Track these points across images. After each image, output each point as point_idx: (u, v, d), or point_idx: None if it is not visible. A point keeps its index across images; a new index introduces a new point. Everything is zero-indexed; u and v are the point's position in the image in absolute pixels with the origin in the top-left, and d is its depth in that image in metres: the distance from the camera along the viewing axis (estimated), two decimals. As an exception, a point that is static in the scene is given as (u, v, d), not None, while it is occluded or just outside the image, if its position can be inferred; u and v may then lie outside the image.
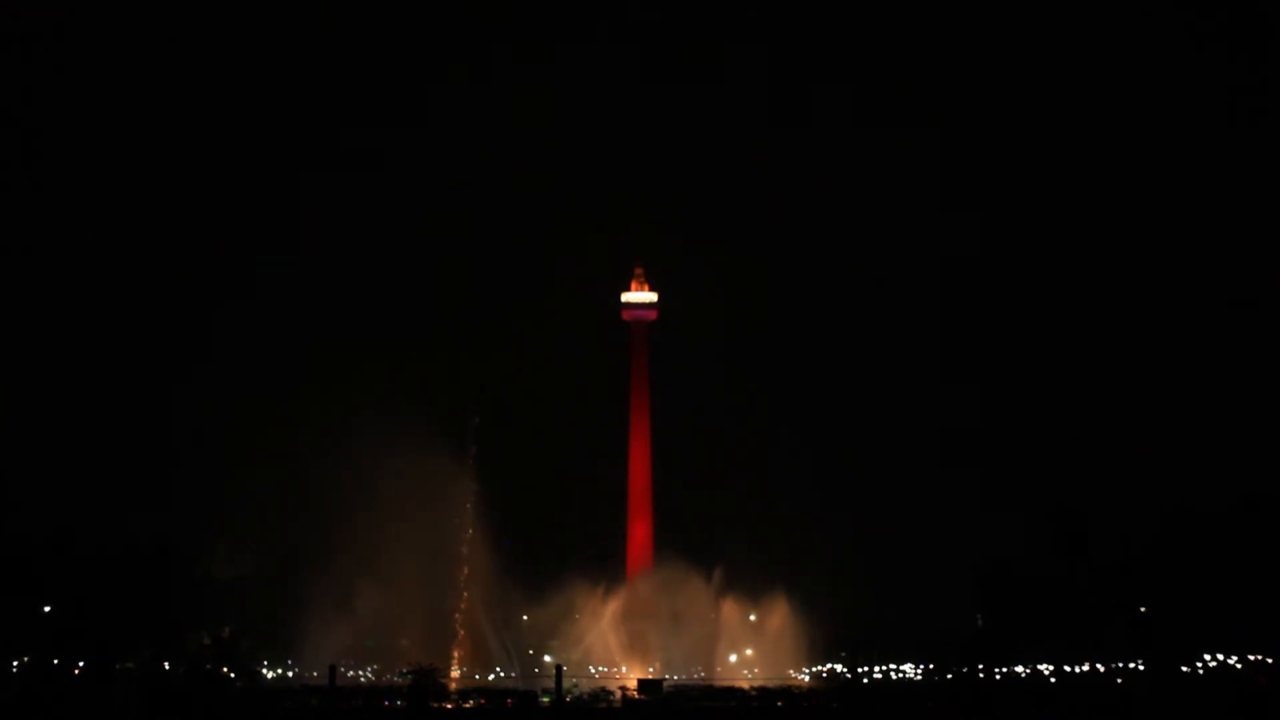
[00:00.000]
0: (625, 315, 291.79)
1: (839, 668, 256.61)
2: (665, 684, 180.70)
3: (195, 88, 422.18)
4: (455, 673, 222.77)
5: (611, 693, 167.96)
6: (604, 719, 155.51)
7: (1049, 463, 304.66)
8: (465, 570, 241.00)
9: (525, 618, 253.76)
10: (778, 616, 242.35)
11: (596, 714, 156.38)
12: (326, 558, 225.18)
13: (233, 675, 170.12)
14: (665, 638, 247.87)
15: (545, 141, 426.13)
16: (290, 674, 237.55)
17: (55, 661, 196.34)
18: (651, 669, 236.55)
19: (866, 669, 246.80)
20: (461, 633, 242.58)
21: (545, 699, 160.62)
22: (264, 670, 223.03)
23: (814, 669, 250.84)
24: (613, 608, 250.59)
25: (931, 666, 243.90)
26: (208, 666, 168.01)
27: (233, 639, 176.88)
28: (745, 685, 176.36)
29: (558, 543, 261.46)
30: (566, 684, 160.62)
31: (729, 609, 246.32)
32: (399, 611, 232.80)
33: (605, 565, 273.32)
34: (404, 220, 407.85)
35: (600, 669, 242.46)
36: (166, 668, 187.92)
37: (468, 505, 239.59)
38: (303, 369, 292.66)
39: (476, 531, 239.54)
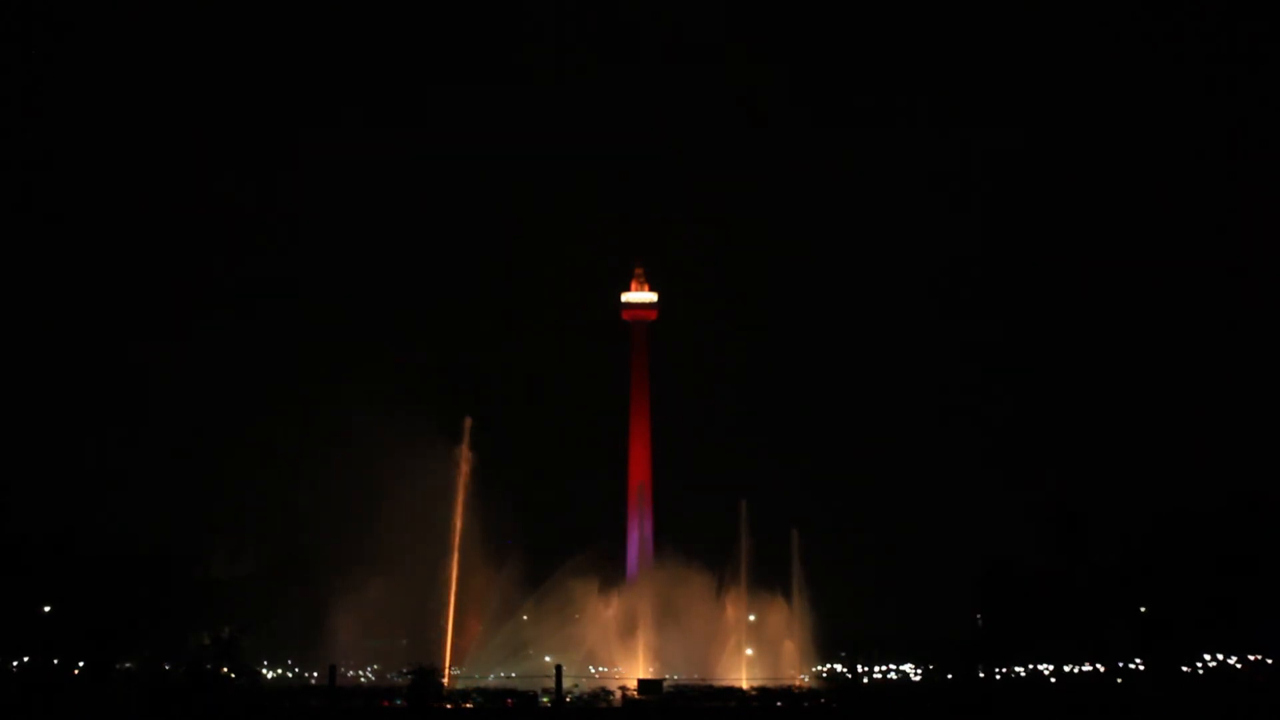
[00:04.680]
0: (625, 315, 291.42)
1: (839, 668, 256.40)
2: (665, 684, 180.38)
3: (191, 81, 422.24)
4: (454, 672, 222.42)
5: (611, 693, 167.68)
6: (604, 719, 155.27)
7: (1049, 463, 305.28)
8: (464, 570, 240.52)
9: (525, 617, 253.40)
10: (778, 616, 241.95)
11: (596, 714, 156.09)
12: (326, 557, 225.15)
13: (233, 675, 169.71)
14: (665, 638, 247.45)
15: (544, 142, 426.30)
16: (290, 674, 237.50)
17: (55, 661, 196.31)
18: (651, 669, 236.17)
19: (866, 669, 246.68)
20: (461, 632, 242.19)
21: (545, 699, 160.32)
22: (264, 670, 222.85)
23: (814, 669, 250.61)
24: (613, 608, 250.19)
25: (931, 667, 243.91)
26: (208, 666, 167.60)
27: (233, 639, 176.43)
28: (745, 685, 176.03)
29: (557, 542, 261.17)
30: (566, 684, 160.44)
31: (729, 609, 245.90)
32: (399, 611, 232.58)
33: (605, 565, 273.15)
34: (403, 219, 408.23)
35: (600, 669, 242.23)
36: (166, 668, 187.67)
37: (467, 505, 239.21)
38: (302, 368, 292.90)
39: (475, 531, 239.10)
